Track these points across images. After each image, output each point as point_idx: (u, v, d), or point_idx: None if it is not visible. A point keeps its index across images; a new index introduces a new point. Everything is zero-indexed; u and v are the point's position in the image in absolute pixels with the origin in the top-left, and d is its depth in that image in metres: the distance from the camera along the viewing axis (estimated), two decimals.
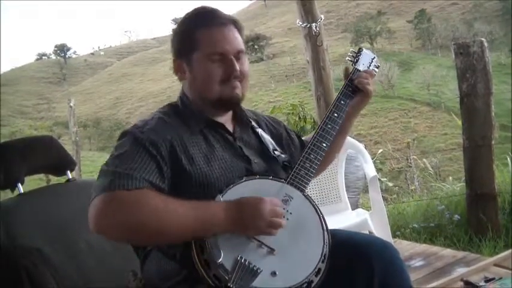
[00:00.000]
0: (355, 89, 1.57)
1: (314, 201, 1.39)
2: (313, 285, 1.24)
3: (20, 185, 1.69)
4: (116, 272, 1.58)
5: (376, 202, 2.77)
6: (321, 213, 1.37)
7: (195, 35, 1.40)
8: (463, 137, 3.32)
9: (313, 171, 1.42)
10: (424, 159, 8.59)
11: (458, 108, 3.38)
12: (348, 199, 3.07)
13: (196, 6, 1.47)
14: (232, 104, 1.45)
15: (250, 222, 1.23)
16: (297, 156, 1.56)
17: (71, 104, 8.69)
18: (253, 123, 1.57)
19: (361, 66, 1.61)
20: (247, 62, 1.47)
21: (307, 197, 1.38)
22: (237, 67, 1.40)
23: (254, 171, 1.40)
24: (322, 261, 1.28)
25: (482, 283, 1.87)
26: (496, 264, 2.07)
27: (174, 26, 1.51)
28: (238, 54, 1.42)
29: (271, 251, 1.24)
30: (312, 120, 4.99)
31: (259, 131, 1.55)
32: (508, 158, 4.51)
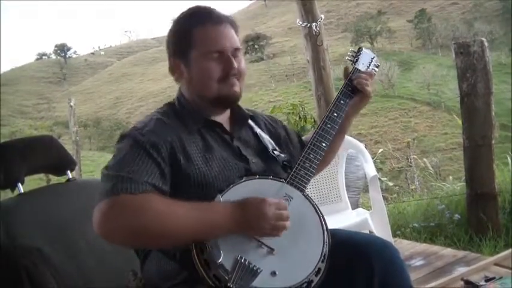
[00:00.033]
0: (354, 88, 1.57)
1: (314, 201, 1.39)
2: (313, 285, 1.24)
3: (20, 184, 1.69)
4: (116, 271, 1.58)
5: (376, 202, 2.77)
6: (321, 213, 1.37)
7: (192, 34, 1.39)
8: (463, 137, 3.32)
9: (313, 171, 1.42)
10: (425, 159, 8.59)
11: (458, 108, 3.38)
12: (348, 199, 3.07)
13: (190, 6, 1.47)
14: (230, 101, 1.45)
15: (255, 224, 1.23)
16: (296, 156, 1.56)
17: (71, 104, 8.70)
18: (252, 122, 1.56)
19: (361, 65, 1.61)
20: (243, 59, 1.46)
21: (307, 197, 1.38)
22: (235, 64, 1.40)
23: (252, 171, 1.40)
24: (322, 261, 1.27)
25: (482, 282, 1.87)
26: (496, 264, 2.07)
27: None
28: (235, 52, 1.42)
29: (271, 250, 1.24)
30: (312, 119, 4.99)
31: (258, 130, 1.55)
32: (508, 158, 4.51)
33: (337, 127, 1.51)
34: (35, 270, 1.48)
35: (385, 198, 4.50)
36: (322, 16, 3.89)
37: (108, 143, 43.37)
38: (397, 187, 7.39)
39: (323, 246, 1.30)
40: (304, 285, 1.23)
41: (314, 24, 3.80)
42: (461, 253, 2.87)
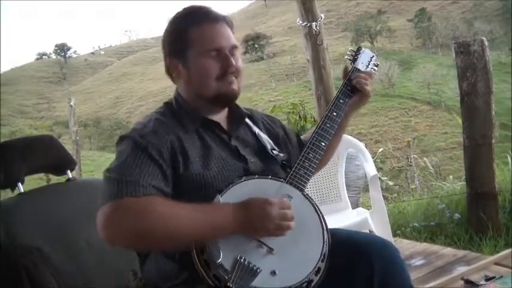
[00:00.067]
0: (354, 88, 1.57)
1: (313, 201, 1.39)
2: (313, 284, 1.24)
3: (20, 184, 1.69)
4: (116, 271, 1.58)
5: (376, 201, 2.76)
6: (321, 213, 1.37)
7: (189, 33, 1.39)
8: (463, 136, 3.32)
9: (312, 170, 1.42)
10: (425, 158, 8.57)
11: (458, 107, 3.37)
12: (349, 198, 3.07)
13: (185, 6, 1.47)
14: (229, 99, 1.44)
15: (259, 225, 1.23)
16: (295, 155, 1.56)
17: (71, 104, 8.69)
18: (249, 121, 1.56)
19: (360, 65, 1.61)
20: (240, 58, 1.46)
21: (307, 196, 1.38)
22: (233, 62, 1.40)
23: (251, 171, 1.40)
24: (322, 260, 1.27)
25: (482, 282, 1.87)
26: (496, 263, 2.07)
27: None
28: (232, 50, 1.42)
29: (271, 250, 1.24)
30: (313, 119, 4.98)
31: (256, 130, 1.54)
32: (509, 157, 4.51)
33: (336, 126, 1.51)
34: (35, 270, 1.48)
35: (385, 197, 4.50)
36: (322, 15, 3.89)
37: (108, 142, 43.39)
38: (397, 186, 7.38)
39: (323, 246, 1.30)
40: (304, 284, 1.23)
41: (314, 23, 3.80)
42: (461, 252, 2.87)
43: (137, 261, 1.41)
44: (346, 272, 1.32)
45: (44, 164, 1.83)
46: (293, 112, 5.11)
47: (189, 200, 1.23)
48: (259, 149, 1.49)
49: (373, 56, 1.65)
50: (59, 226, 1.66)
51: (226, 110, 1.50)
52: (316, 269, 1.25)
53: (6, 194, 1.77)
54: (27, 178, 1.73)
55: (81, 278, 1.60)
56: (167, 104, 1.48)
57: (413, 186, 7.47)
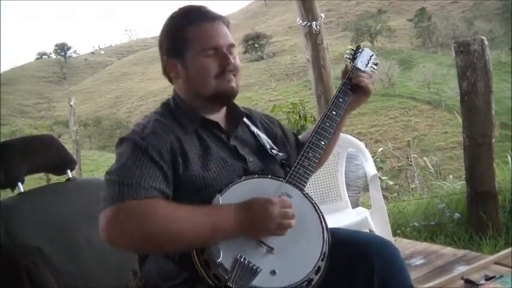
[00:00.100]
0: (353, 86, 1.57)
1: (313, 200, 1.39)
2: (313, 283, 1.24)
3: (20, 184, 1.69)
4: (116, 271, 1.58)
5: (376, 201, 2.76)
6: (320, 212, 1.37)
7: (186, 33, 1.39)
8: (463, 135, 3.32)
9: (312, 170, 1.42)
10: (425, 158, 8.57)
11: (458, 107, 3.37)
12: (349, 197, 3.07)
13: (181, 6, 1.47)
14: (228, 97, 1.44)
15: (261, 225, 1.23)
16: (293, 155, 1.56)
17: (71, 103, 8.69)
18: (248, 121, 1.56)
19: (360, 64, 1.61)
20: (237, 56, 1.46)
21: (306, 196, 1.38)
22: (232, 60, 1.40)
23: (250, 170, 1.40)
24: (322, 260, 1.27)
25: (482, 281, 1.87)
26: (496, 263, 2.07)
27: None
28: (229, 48, 1.42)
29: (271, 250, 1.24)
30: (313, 118, 4.98)
31: (255, 129, 1.54)
32: (509, 156, 4.51)
33: (335, 125, 1.51)
34: (35, 270, 1.48)
35: (385, 197, 4.49)
36: (322, 15, 3.89)
37: (108, 142, 43.40)
38: (397, 186, 7.38)
39: (323, 245, 1.30)
40: (304, 283, 1.23)
41: (314, 23, 3.80)
42: (461, 252, 2.87)
43: (137, 261, 1.41)
44: (346, 272, 1.32)
45: (44, 164, 1.82)
46: (293, 112, 5.11)
47: (189, 200, 1.23)
48: (258, 149, 1.49)
49: (372, 55, 1.65)
50: (59, 226, 1.66)
51: (224, 109, 1.50)
52: (316, 268, 1.25)
53: (6, 194, 1.77)
54: (27, 178, 1.73)
55: (81, 277, 1.60)
56: (165, 105, 1.47)
57: (413, 186, 7.48)
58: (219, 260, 1.18)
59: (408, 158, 9.61)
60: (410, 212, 4.02)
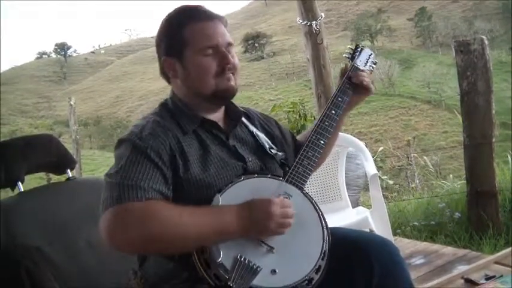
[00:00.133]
0: (352, 86, 1.56)
1: (313, 199, 1.39)
2: (313, 282, 1.24)
3: (20, 183, 1.69)
4: (116, 270, 1.58)
5: (376, 200, 2.76)
6: (320, 211, 1.37)
7: (185, 32, 1.39)
8: (463, 135, 3.32)
9: (311, 169, 1.42)
10: (425, 157, 8.56)
11: (458, 106, 3.37)
12: (349, 197, 3.07)
13: (178, 6, 1.47)
14: (227, 96, 1.44)
15: (261, 225, 1.23)
16: (290, 154, 1.56)
17: (71, 103, 8.67)
18: (246, 120, 1.55)
19: (359, 62, 1.61)
20: (236, 55, 1.46)
21: (306, 195, 1.38)
22: (231, 59, 1.40)
23: (249, 170, 1.40)
24: (322, 259, 1.27)
25: (482, 281, 1.87)
26: (496, 262, 2.06)
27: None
28: (228, 47, 1.41)
29: (271, 249, 1.24)
30: (313, 118, 4.96)
31: (254, 129, 1.54)
32: (509, 156, 4.51)
33: (335, 124, 1.51)
34: (35, 269, 1.48)
35: (385, 196, 4.50)
36: (323, 14, 3.88)
37: (108, 141, 43.41)
38: (398, 185, 7.38)
39: (323, 244, 1.30)
40: (305, 283, 1.23)
41: (314, 22, 3.80)
42: (461, 251, 2.86)
43: (137, 261, 1.41)
44: (346, 271, 1.32)
45: (44, 163, 1.83)
46: (293, 111, 5.10)
47: (189, 200, 1.23)
48: (257, 148, 1.49)
49: (371, 54, 1.65)
50: (59, 225, 1.66)
51: (223, 109, 1.50)
52: (316, 267, 1.25)
53: (6, 194, 1.77)
54: (27, 177, 1.73)
55: (81, 277, 1.60)
56: (163, 105, 1.47)
57: (413, 185, 7.48)
58: (220, 259, 1.18)
59: (408, 158, 9.61)
60: (411, 211, 4.02)
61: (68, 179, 1.87)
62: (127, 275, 1.41)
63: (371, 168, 2.78)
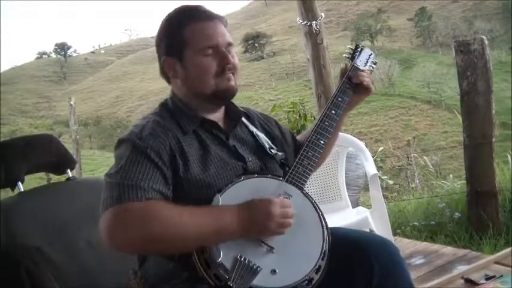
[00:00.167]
0: (352, 86, 1.56)
1: (313, 199, 1.39)
2: (313, 282, 1.24)
3: (20, 183, 1.69)
4: (116, 270, 1.58)
5: (376, 200, 2.76)
6: (320, 211, 1.37)
7: (185, 32, 1.39)
8: (463, 135, 3.32)
9: (311, 169, 1.42)
10: (425, 157, 8.56)
11: (458, 106, 3.37)
12: (349, 197, 3.07)
13: (178, 6, 1.47)
14: (227, 96, 1.44)
15: (262, 224, 1.23)
16: (290, 154, 1.56)
17: (72, 103, 8.66)
18: (246, 120, 1.55)
19: (359, 63, 1.61)
20: (235, 55, 1.46)
21: (306, 195, 1.38)
22: (231, 59, 1.40)
23: (249, 170, 1.40)
24: (322, 259, 1.27)
25: (482, 281, 1.87)
26: (496, 262, 2.06)
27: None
28: (228, 47, 1.41)
29: (271, 249, 1.24)
30: (313, 118, 4.96)
31: (253, 129, 1.54)
32: (509, 156, 4.51)
33: (334, 124, 1.51)
34: (35, 269, 1.48)
35: (385, 196, 4.50)
36: (323, 14, 3.88)
37: (108, 141, 43.42)
38: (398, 185, 7.39)
39: (323, 244, 1.30)
40: (305, 283, 1.23)
41: (314, 22, 3.80)
42: (461, 251, 2.86)
43: (137, 261, 1.41)
44: (346, 271, 1.32)
45: (44, 163, 1.83)
46: (293, 111, 5.10)
47: (189, 200, 1.23)
48: (257, 148, 1.49)
49: (371, 54, 1.65)
50: (59, 225, 1.66)
51: (223, 109, 1.50)
52: (316, 267, 1.25)
53: (6, 194, 1.77)
54: (27, 177, 1.73)
55: (81, 276, 1.60)
56: (163, 105, 1.47)
57: (413, 185, 7.48)
58: (219, 259, 1.18)
59: (408, 158, 9.61)
60: (411, 211, 4.02)
61: (68, 179, 1.87)
62: (127, 275, 1.41)
63: (371, 168, 2.78)
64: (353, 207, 3.04)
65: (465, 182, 3.46)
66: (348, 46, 1.67)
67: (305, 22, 3.83)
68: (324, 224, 1.34)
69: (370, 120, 38.10)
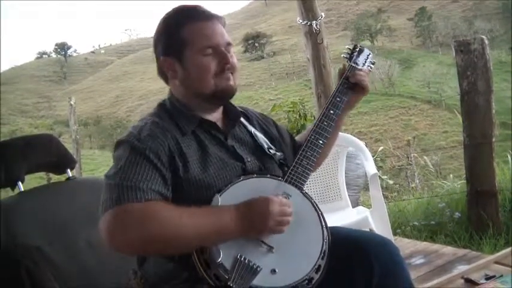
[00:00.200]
0: (351, 85, 1.57)
1: (313, 199, 1.39)
2: (313, 282, 1.24)
3: (20, 183, 1.69)
4: (116, 270, 1.58)
5: (376, 200, 2.76)
6: (320, 211, 1.37)
7: (183, 32, 1.38)
8: (463, 135, 3.32)
9: (311, 169, 1.42)
10: (425, 157, 8.57)
11: (458, 106, 3.37)
12: (349, 197, 3.07)
13: (175, 6, 1.47)
14: (227, 96, 1.44)
15: (261, 223, 1.23)
16: (288, 154, 1.56)
17: (72, 103, 8.66)
18: (245, 121, 1.55)
19: (357, 62, 1.61)
20: (234, 55, 1.46)
21: (305, 195, 1.38)
22: (230, 58, 1.40)
23: (248, 170, 1.40)
24: (322, 258, 1.28)
25: (482, 281, 1.87)
26: (496, 262, 2.07)
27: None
28: (227, 47, 1.41)
29: (271, 248, 1.24)
30: (313, 117, 4.96)
31: (252, 129, 1.54)
32: (509, 156, 4.51)
33: (333, 124, 1.51)
34: (35, 269, 1.48)
35: (385, 196, 4.50)
36: (323, 14, 3.88)
37: (108, 141, 43.45)
38: (398, 185, 7.38)
39: (322, 243, 1.30)
40: (305, 282, 1.23)
41: (314, 22, 3.80)
42: (461, 251, 2.86)
43: (137, 261, 1.41)
44: (346, 270, 1.32)
45: (44, 163, 1.83)
46: (293, 111, 5.10)
47: (189, 201, 1.23)
48: (256, 148, 1.49)
49: (369, 54, 1.65)
50: (59, 225, 1.66)
51: (221, 109, 1.49)
52: (316, 267, 1.25)
53: (7, 193, 1.77)
54: (27, 177, 1.73)
55: (81, 276, 1.60)
56: (161, 106, 1.46)
57: (413, 185, 7.48)
58: (219, 259, 1.18)
59: (408, 157, 9.61)
60: (411, 211, 4.02)
61: (68, 178, 1.87)
62: (127, 275, 1.41)
63: (371, 168, 2.78)
64: (353, 206, 3.04)
65: (465, 181, 3.46)
66: (346, 46, 1.67)
67: (305, 22, 3.83)
68: (323, 224, 1.34)
69: (370, 120, 38.13)
